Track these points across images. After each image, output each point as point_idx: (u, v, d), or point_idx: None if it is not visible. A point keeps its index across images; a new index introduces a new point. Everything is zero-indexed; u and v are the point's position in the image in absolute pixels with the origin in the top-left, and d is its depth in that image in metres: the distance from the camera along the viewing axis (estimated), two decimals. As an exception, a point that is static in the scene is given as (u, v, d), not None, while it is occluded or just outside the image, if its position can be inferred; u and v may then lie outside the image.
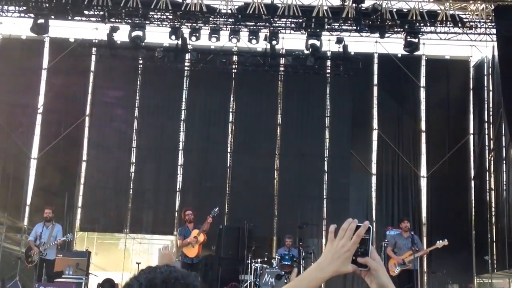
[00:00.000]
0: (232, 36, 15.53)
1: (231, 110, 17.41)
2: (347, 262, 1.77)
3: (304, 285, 1.74)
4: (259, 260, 12.68)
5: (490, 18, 16.02)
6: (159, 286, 1.60)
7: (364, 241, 1.79)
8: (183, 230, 11.56)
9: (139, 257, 17.02)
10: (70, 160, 16.75)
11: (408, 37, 15.57)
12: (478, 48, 17.36)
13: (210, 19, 15.68)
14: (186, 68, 17.25)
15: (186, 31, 15.69)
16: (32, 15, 15.33)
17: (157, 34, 16.37)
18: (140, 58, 16.74)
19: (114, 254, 17.47)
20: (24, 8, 15.42)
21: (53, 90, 17.03)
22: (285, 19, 15.81)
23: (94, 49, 17.00)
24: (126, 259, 16.42)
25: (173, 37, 15.50)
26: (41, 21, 15.18)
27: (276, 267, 12.44)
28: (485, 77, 17.51)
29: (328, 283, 14.95)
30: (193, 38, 15.54)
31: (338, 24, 16.03)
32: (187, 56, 16.87)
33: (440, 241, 11.08)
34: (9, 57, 17.09)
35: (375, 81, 17.67)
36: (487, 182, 16.77)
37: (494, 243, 16.28)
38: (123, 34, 15.58)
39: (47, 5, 15.21)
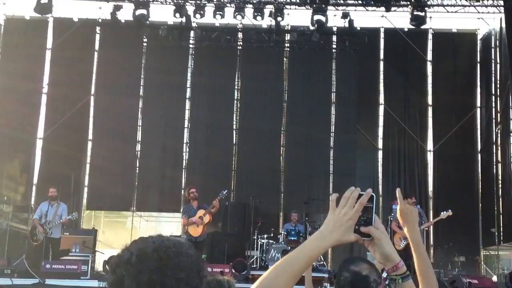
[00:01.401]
0: (236, 13, 15.40)
1: (236, 87, 17.32)
2: (350, 231, 1.73)
3: (305, 254, 1.70)
4: (265, 236, 12.75)
5: (498, -11, 15.82)
6: (150, 255, 1.57)
7: (367, 209, 1.74)
8: (187, 208, 11.54)
9: (147, 234, 16.99)
10: (76, 139, 16.77)
11: (415, 10, 15.40)
12: (486, 20, 17.13)
13: (214, -5, 15.54)
14: (190, 46, 17.13)
15: (190, 8, 15.57)
16: (35, -5, 15.24)
17: (161, 12, 16.28)
18: (144, 37, 16.63)
19: (121, 232, 17.53)
20: (27, -13, 15.34)
21: (57, 70, 16.99)
22: (289, -5, 15.66)
23: (98, 28, 16.91)
24: (134, 237, 16.39)
25: (177, 15, 15.40)
26: (44, 1, 15.08)
27: (282, 243, 12.51)
28: (493, 50, 17.30)
29: (335, 255, 15.00)
30: (198, 15, 15.45)
31: (343, -1, 15.87)
32: (192, 34, 16.74)
33: (444, 212, 11.01)
34: (13, 37, 17.03)
35: (382, 56, 17.51)
36: (494, 155, 16.68)
37: (501, 216, 16.26)
38: (127, 12, 15.48)
39: (49, -16, 15.11)
